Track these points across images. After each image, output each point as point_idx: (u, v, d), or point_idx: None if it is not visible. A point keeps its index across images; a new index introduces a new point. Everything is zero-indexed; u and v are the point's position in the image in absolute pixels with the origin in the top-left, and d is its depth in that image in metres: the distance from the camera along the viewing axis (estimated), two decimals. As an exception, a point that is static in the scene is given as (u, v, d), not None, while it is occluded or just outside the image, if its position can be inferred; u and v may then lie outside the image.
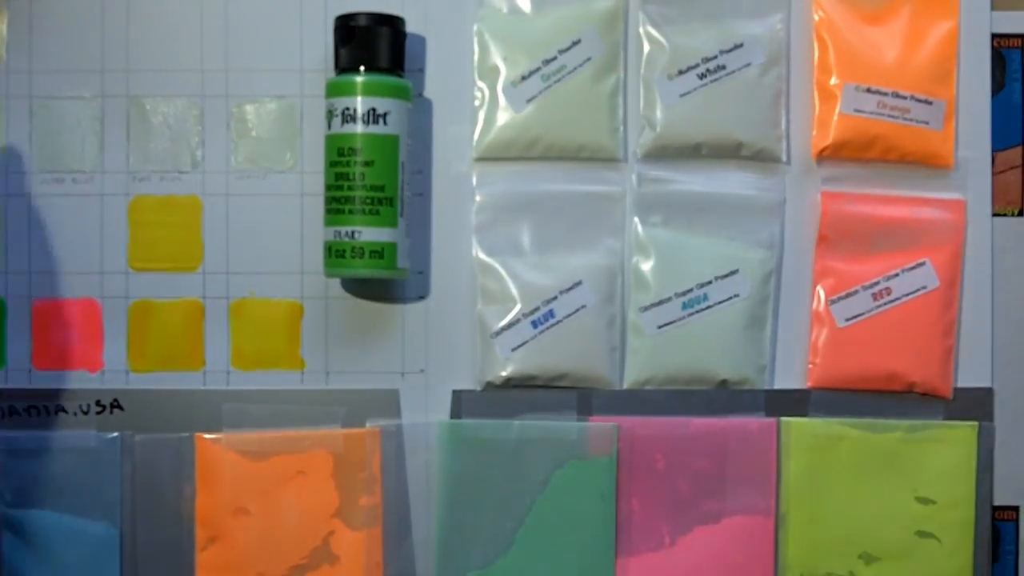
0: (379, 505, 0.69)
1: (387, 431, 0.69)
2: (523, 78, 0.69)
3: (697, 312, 0.69)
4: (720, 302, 0.69)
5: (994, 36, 0.70)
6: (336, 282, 0.69)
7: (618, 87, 0.70)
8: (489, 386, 0.69)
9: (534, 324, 0.68)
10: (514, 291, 0.69)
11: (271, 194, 0.70)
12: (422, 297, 0.70)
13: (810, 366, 0.69)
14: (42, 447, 0.69)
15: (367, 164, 0.65)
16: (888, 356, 0.69)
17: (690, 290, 0.69)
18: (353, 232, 0.65)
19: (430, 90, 0.70)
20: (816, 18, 0.70)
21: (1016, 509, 0.70)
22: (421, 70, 0.70)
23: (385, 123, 0.65)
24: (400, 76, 0.66)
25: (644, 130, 0.70)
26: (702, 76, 0.69)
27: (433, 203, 0.70)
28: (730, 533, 0.69)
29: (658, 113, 0.69)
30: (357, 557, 0.68)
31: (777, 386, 0.70)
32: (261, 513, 0.68)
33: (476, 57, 0.70)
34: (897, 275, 0.69)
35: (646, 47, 0.70)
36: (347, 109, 0.65)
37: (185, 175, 0.70)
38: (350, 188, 0.65)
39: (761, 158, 0.70)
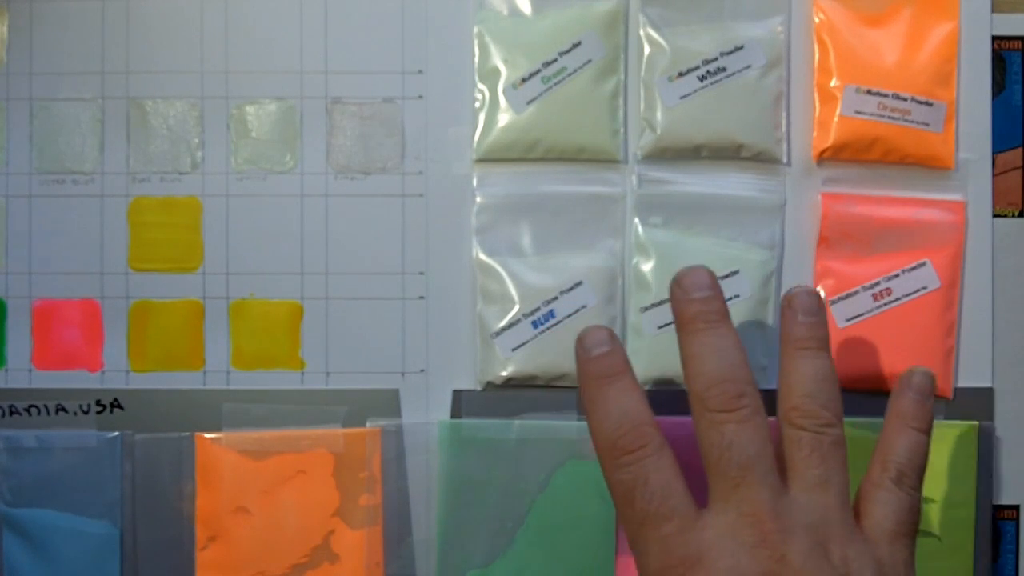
0: (379, 504, 0.69)
1: (387, 431, 0.69)
2: (523, 80, 0.69)
3: (698, 312, 0.68)
4: (720, 303, 0.69)
5: (994, 38, 0.70)
6: (336, 282, 0.69)
7: (618, 89, 0.70)
8: (489, 386, 0.69)
9: (534, 324, 0.68)
10: (514, 292, 0.68)
11: (271, 195, 0.70)
12: (422, 297, 0.70)
13: (811, 367, 0.69)
14: (42, 446, 0.69)
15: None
16: (888, 356, 0.69)
17: (691, 290, 0.69)
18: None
19: (430, 91, 0.70)
20: (817, 20, 0.70)
21: (1017, 508, 0.70)
22: (421, 71, 0.70)
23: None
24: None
25: (644, 132, 0.70)
26: (702, 78, 0.69)
27: (433, 204, 0.70)
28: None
29: (658, 115, 0.69)
30: (358, 556, 0.68)
31: (778, 386, 0.70)
32: (261, 512, 0.68)
33: (476, 59, 0.70)
34: (897, 276, 0.69)
35: (646, 49, 0.70)
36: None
37: (185, 176, 0.70)
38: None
39: (761, 160, 0.70)
